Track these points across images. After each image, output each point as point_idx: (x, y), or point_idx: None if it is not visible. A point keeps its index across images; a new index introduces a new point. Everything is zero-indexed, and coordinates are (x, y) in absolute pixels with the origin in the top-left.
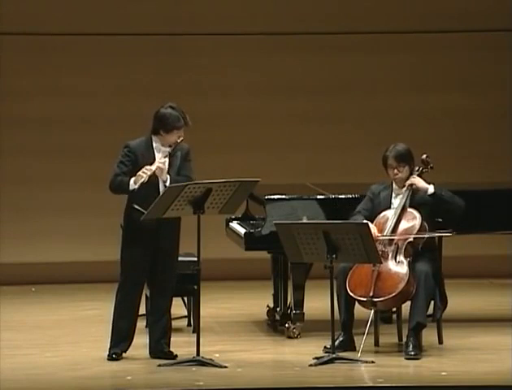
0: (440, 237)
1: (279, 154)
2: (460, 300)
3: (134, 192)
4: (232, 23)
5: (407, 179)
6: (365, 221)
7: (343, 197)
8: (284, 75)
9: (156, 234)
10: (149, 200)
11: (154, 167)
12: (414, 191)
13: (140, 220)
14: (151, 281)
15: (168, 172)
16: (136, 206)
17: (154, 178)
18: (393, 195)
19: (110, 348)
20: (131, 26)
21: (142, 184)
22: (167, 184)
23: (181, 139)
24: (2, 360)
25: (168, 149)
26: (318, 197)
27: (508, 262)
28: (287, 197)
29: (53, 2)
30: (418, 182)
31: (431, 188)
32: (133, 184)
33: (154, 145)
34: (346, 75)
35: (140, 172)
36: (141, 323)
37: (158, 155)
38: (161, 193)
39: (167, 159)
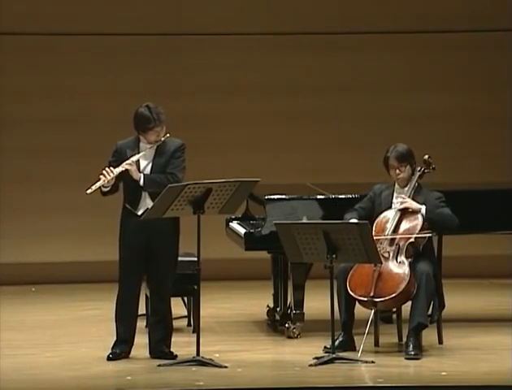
0: (440, 237)
1: (280, 154)
2: (460, 300)
3: (125, 191)
4: (232, 23)
5: (409, 178)
6: (365, 221)
7: (343, 197)
8: (284, 75)
9: (149, 234)
10: (137, 199)
11: (117, 170)
12: (415, 191)
13: (130, 219)
14: (149, 282)
15: (152, 170)
16: (127, 205)
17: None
18: (395, 195)
19: (111, 348)
20: (131, 26)
21: (132, 182)
22: (141, 182)
23: (167, 136)
24: (3, 360)
25: (148, 146)
26: (318, 197)
27: (508, 262)
28: (287, 197)
29: (53, 2)
30: (409, 205)
31: (422, 211)
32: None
33: (141, 143)
34: (346, 75)
35: (101, 175)
36: (141, 323)
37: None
38: (161, 193)
39: (136, 158)
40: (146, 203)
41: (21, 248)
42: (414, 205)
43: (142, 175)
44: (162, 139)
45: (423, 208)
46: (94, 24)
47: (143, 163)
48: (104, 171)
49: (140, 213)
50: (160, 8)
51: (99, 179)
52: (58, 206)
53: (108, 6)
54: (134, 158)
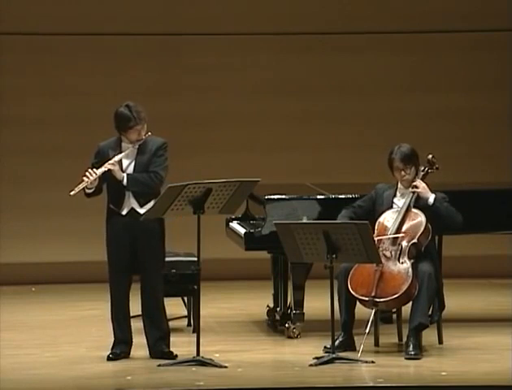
0: (440, 237)
1: (279, 154)
2: (460, 300)
3: (109, 191)
4: (233, 23)
5: (414, 179)
6: (364, 221)
7: (343, 197)
8: (285, 75)
9: (134, 234)
10: (121, 198)
11: (100, 170)
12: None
13: (115, 220)
14: (140, 282)
15: (134, 170)
16: (111, 206)
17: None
18: (397, 195)
19: (111, 349)
20: (131, 26)
21: (115, 182)
22: (124, 182)
23: (148, 134)
24: (3, 360)
25: (130, 146)
26: (318, 197)
27: (508, 262)
28: (287, 197)
29: (52, 2)
30: (422, 189)
31: (431, 199)
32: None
33: (123, 143)
34: (346, 75)
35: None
36: (141, 323)
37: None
38: (161, 193)
39: (118, 158)
40: (130, 203)
41: (21, 248)
42: (424, 191)
43: (125, 175)
44: (144, 137)
45: (432, 196)
46: (94, 24)
47: (125, 163)
48: (87, 173)
49: (124, 213)
50: (160, 8)
51: (82, 181)
52: (58, 206)
53: (108, 6)
54: (116, 158)
